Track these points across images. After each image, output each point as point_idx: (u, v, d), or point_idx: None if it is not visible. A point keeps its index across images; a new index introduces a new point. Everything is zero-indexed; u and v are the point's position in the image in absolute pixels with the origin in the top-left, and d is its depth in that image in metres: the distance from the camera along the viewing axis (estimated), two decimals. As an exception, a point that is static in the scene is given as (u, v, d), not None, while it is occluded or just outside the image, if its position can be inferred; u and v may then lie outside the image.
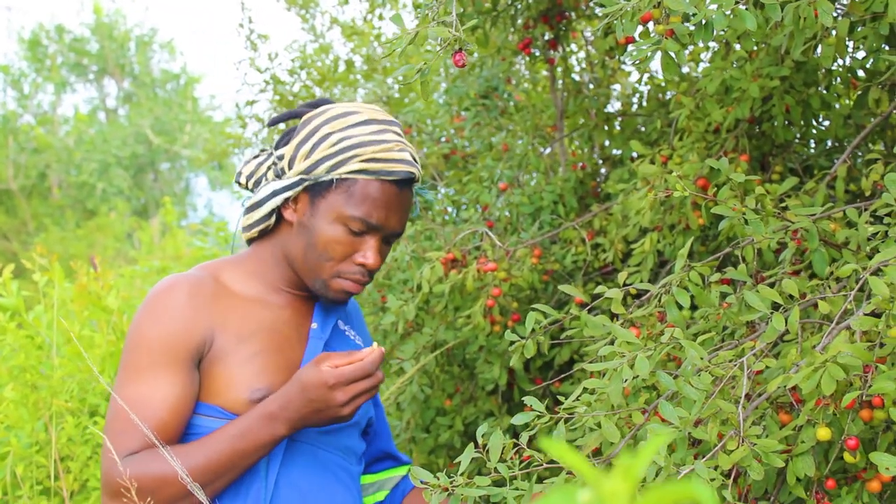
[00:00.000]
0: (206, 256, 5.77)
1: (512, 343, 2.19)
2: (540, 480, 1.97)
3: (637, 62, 1.90)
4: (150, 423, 1.97)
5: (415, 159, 2.17)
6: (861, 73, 2.66)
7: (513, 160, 3.60)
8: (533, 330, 2.16)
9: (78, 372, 3.71)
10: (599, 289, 2.14)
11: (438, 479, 1.82)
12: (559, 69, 3.61)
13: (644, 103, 3.62)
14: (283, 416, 1.97)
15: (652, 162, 2.87)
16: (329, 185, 2.09)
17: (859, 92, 2.63)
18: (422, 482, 1.84)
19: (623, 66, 3.75)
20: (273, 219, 2.18)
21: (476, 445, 1.87)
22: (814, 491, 1.81)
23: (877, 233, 2.10)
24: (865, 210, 2.18)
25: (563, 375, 2.58)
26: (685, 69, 3.45)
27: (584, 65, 3.89)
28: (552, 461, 1.85)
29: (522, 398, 3.31)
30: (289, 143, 2.17)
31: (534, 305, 2.15)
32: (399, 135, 2.16)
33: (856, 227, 2.15)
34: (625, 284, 2.17)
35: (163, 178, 20.75)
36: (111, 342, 4.00)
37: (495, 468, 1.83)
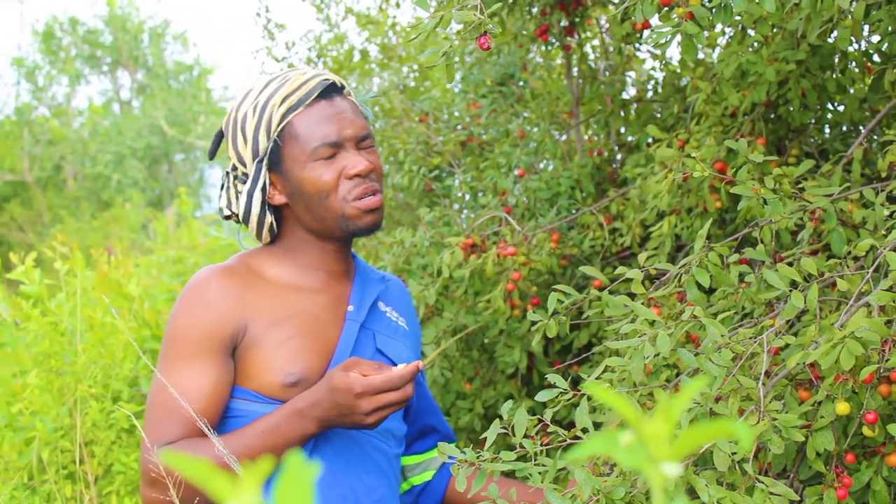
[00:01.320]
0: (222, 246, 5.80)
1: (533, 324, 2.22)
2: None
3: (656, 45, 1.93)
4: (186, 412, 2.01)
5: (325, 71, 2.21)
6: (876, 56, 2.67)
7: (529, 147, 3.63)
8: (555, 311, 2.19)
9: (101, 358, 3.76)
10: (619, 270, 2.17)
11: (465, 454, 1.86)
12: (575, 56, 3.63)
13: (660, 89, 3.65)
14: (312, 414, 2.00)
15: (669, 146, 2.90)
16: (278, 148, 2.14)
17: (875, 75, 2.65)
18: (449, 458, 1.88)
19: (637, 54, 3.77)
20: (270, 216, 2.21)
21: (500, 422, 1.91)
22: (833, 465, 1.84)
23: (893, 212, 2.13)
24: (882, 191, 2.20)
25: (581, 357, 2.61)
26: (701, 55, 3.47)
27: (598, 52, 3.91)
28: (576, 437, 1.88)
29: (542, 381, 3.35)
30: (230, 151, 2.23)
31: (555, 286, 2.18)
32: (300, 68, 2.22)
33: (872, 207, 2.18)
34: (643, 266, 2.20)
35: (177, 170, 20.78)
36: (133, 329, 4.05)
37: (520, 444, 1.86)
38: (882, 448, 1.85)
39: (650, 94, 3.71)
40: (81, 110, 21.27)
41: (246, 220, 2.22)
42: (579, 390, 1.94)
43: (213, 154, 2.35)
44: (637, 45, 3.51)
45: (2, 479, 3.52)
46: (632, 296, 2.23)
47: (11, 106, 20.28)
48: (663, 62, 3.59)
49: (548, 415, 1.89)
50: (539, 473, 1.83)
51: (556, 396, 1.91)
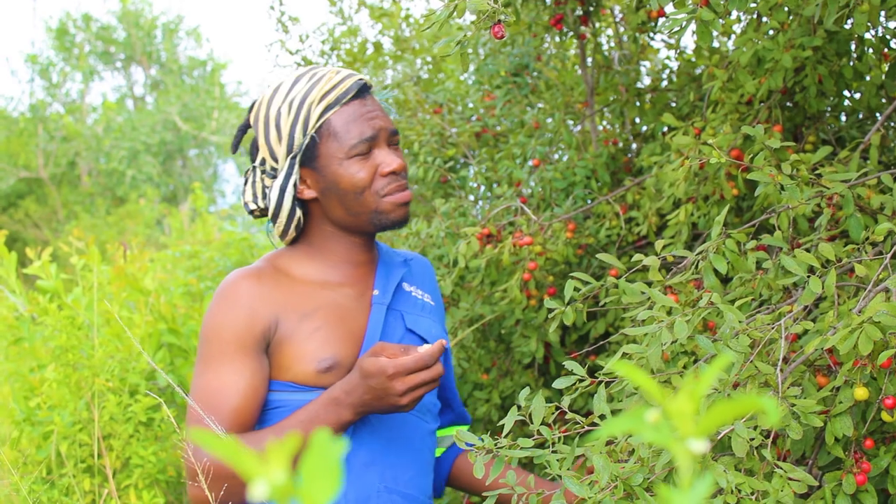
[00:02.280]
0: (237, 240, 5.80)
1: (550, 311, 2.22)
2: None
3: (671, 32, 1.92)
4: (225, 410, 2.10)
5: (354, 72, 2.28)
6: (894, 42, 2.66)
7: (544, 137, 3.63)
8: (571, 299, 2.19)
9: (118, 352, 3.77)
10: (636, 258, 2.17)
11: (483, 441, 1.86)
12: (589, 46, 3.62)
13: (674, 78, 3.63)
14: (347, 401, 2.07)
15: (685, 134, 2.89)
16: (314, 144, 2.20)
17: (892, 62, 2.63)
18: (467, 445, 1.88)
19: (652, 43, 3.75)
20: (299, 210, 2.27)
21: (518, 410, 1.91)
22: (852, 451, 1.83)
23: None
24: (900, 176, 2.19)
25: (597, 345, 2.61)
26: (716, 43, 3.45)
27: (613, 41, 3.90)
28: (593, 424, 1.88)
29: (559, 371, 3.35)
30: (258, 146, 2.28)
31: (572, 274, 2.18)
32: (324, 66, 2.27)
33: (890, 192, 2.17)
34: (660, 254, 2.19)
35: (191, 165, 20.80)
36: (149, 322, 4.06)
37: (538, 431, 1.86)
38: (901, 433, 1.84)
39: (665, 83, 3.70)
40: (95, 106, 21.28)
41: (276, 215, 2.28)
42: (596, 378, 1.94)
43: (236, 148, 2.42)
44: (651, 34, 3.49)
45: (21, 473, 3.53)
46: (649, 283, 2.23)
47: (26, 103, 20.33)
48: (678, 51, 3.57)
49: (565, 402, 1.89)
50: (557, 461, 1.83)
51: (574, 384, 1.91)
